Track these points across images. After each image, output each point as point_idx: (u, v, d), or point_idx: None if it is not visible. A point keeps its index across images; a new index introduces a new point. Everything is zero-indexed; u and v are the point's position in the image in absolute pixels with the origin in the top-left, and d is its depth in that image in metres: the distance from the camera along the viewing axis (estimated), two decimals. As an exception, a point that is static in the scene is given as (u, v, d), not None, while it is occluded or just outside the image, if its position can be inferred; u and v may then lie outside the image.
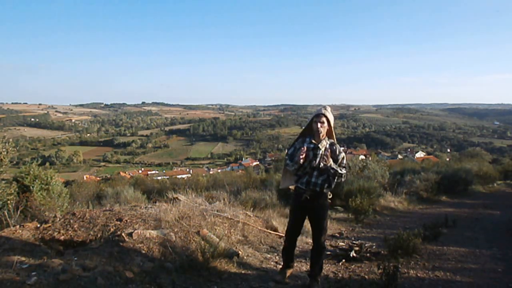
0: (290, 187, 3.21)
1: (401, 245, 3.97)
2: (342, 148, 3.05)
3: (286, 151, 3.12)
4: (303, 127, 3.10)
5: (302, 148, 2.80)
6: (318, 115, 2.88)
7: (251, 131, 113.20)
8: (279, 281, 3.04)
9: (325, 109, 2.92)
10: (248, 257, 3.74)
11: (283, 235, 4.64)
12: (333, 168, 2.82)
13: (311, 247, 3.08)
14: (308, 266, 3.47)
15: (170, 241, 3.43)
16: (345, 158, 2.98)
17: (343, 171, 2.89)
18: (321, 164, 2.83)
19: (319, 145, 2.89)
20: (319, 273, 3.04)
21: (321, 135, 2.89)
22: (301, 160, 2.78)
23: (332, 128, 2.96)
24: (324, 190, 2.90)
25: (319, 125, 2.86)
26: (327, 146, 2.92)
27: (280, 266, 3.57)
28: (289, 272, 3.16)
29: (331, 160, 2.84)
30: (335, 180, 2.91)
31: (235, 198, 6.40)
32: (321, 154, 2.87)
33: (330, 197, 3.00)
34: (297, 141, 3.05)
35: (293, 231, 3.09)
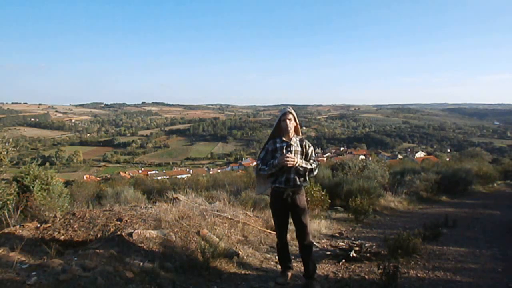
0: (264, 193, 3.28)
1: (401, 245, 3.97)
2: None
3: (258, 155, 3.16)
4: (305, 127, 3.13)
5: (288, 154, 2.87)
6: (285, 114, 3.02)
7: (251, 131, 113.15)
8: (282, 283, 3.03)
9: (289, 108, 3.08)
10: (248, 257, 3.74)
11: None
12: (302, 166, 2.93)
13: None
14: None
15: (170, 241, 3.43)
16: (313, 151, 3.12)
17: (313, 165, 3.01)
18: (297, 163, 2.88)
19: (291, 142, 3.01)
20: (315, 271, 3.05)
21: (290, 132, 3.01)
22: (292, 162, 2.83)
23: (298, 125, 3.11)
24: (303, 184, 3.03)
25: (287, 122, 2.98)
26: (298, 142, 3.05)
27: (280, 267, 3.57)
28: (290, 274, 3.14)
29: (297, 159, 2.91)
30: (309, 174, 3.04)
31: (235, 198, 6.39)
32: (295, 150, 2.98)
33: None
34: (267, 144, 3.10)
35: (282, 230, 3.12)
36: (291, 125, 3.01)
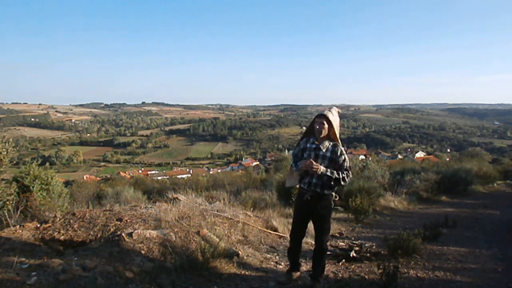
0: (297, 186, 3.22)
1: (401, 245, 3.97)
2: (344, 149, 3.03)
3: (293, 150, 3.15)
4: (304, 127, 3.12)
5: (310, 159, 2.79)
6: (319, 116, 2.91)
7: (251, 131, 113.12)
8: (283, 283, 3.00)
9: (329, 110, 2.93)
10: (248, 257, 3.73)
11: (284, 235, 4.66)
12: (326, 175, 2.79)
13: (312, 248, 3.07)
14: (308, 266, 3.47)
15: (170, 241, 3.43)
16: (347, 160, 2.89)
17: (342, 175, 2.81)
18: (319, 171, 2.75)
19: (321, 146, 2.90)
20: (321, 274, 3.02)
21: (321, 135, 2.89)
22: (315, 169, 2.75)
23: (335, 130, 2.93)
24: (326, 192, 2.87)
25: (317, 126, 2.89)
26: (329, 147, 2.90)
27: (281, 266, 3.57)
28: (295, 275, 3.09)
29: (322, 167, 2.77)
30: (336, 184, 2.85)
31: (235, 198, 6.39)
32: (322, 155, 2.86)
33: (336, 198, 2.96)
34: (301, 140, 3.08)
35: (296, 232, 3.04)
36: (322, 129, 2.87)
